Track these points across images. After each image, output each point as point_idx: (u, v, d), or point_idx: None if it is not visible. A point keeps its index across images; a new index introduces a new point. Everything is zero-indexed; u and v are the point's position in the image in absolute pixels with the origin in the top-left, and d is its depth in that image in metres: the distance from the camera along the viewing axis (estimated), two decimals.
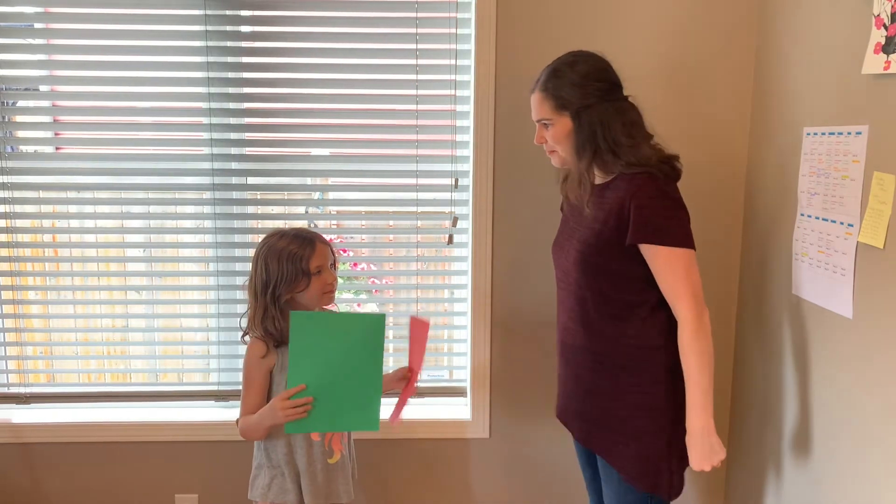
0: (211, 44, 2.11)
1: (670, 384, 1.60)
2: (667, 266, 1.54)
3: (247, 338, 1.81)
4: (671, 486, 1.64)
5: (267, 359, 1.75)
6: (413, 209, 2.23)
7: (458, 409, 2.32)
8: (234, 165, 2.20)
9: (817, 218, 1.69)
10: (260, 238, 1.80)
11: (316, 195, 2.39)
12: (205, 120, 2.16)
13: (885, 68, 1.42)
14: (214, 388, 2.30)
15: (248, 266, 1.78)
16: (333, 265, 1.80)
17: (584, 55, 1.64)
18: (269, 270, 1.71)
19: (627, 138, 1.57)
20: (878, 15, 1.44)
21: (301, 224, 2.27)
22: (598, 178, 1.63)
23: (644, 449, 1.60)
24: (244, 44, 2.16)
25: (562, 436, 2.12)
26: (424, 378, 2.36)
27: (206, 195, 2.20)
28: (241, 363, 1.81)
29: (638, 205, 1.52)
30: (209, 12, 2.09)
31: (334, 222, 2.42)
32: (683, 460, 1.66)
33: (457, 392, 2.33)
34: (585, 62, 1.62)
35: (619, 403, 1.63)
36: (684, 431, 1.66)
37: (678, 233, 1.53)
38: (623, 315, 1.61)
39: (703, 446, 1.55)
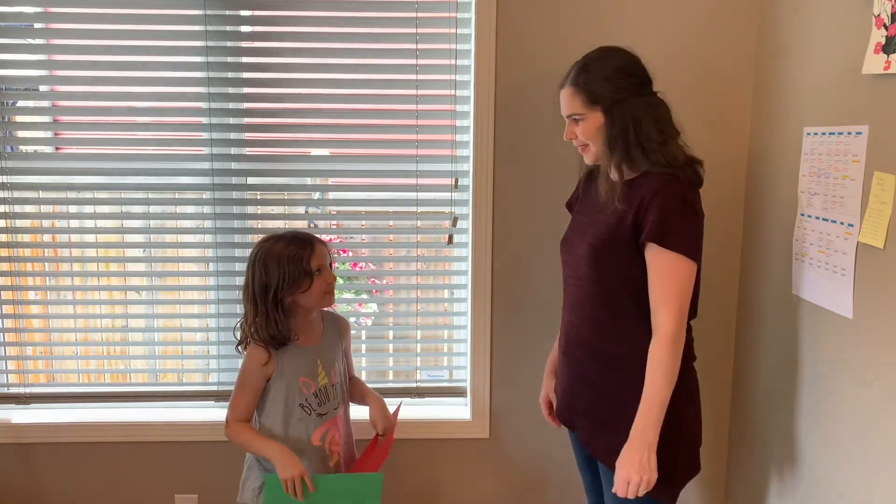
0: (211, 44, 2.11)
1: (676, 388, 1.57)
2: (663, 271, 1.52)
3: (241, 347, 1.80)
4: (673, 490, 1.63)
5: (268, 366, 1.75)
6: (413, 209, 2.23)
7: (458, 409, 2.32)
8: (234, 165, 2.20)
9: (817, 218, 1.68)
10: (259, 238, 1.81)
11: (316, 195, 2.39)
12: (205, 120, 2.16)
13: (885, 68, 1.42)
14: (214, 388, 2.30)
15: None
16: (331, 265, 1.80)
17: (615, 49, 1.62)
18: (269, 274, 1.70)
19: (659, 134, 1.55)
20: (878, 15, 1.44)
21: (301, 224, 2.27)
22: (626, 175, 1.61)
23: None
24: (244, 44, 2.16)
25: (562, 436, 2.12)
26: (424, 378, 2.36)
27: (206, 195, 2.20)
28: (241, 363, 1.81)
29: (656, 205, 1.50)
30: (209, 12, 2.09)
31: (334, 222, 2.42)
32: (685, 464, 1.66)
33: (457, 392, 2.33)
34: (617, 56, 1.60)
35: (623, 405, 1.61)
36: (687, 435, 1.65)
37: (687, 242, 1.51)
38: (631, 314, 1.60)
39: (640, 458, 1.49)
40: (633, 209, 1.54)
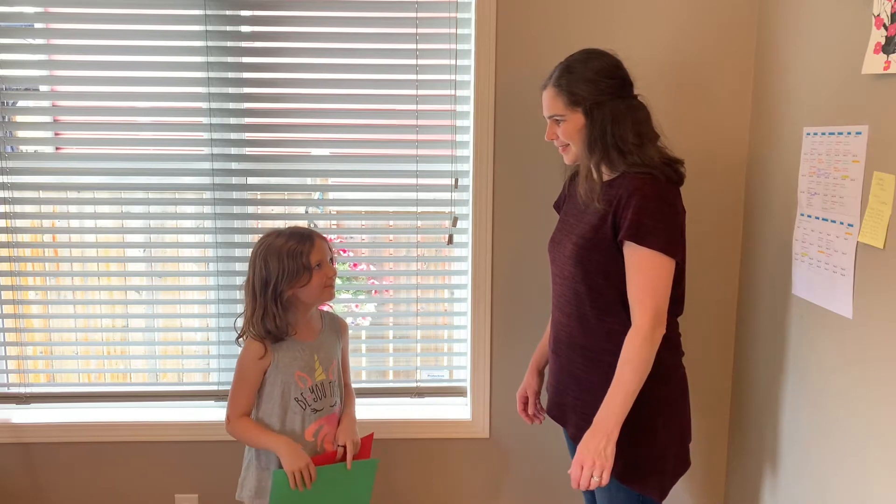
0: (211, 44, 2.11)
1: (662, 384, 1.59)
2: (640, 268, 1.53)
3: (241, 341, 1.81)
4: (662, 486, 1.64)
5: (264, 359, 1.76)
6: (413, 209, 2.23)
7: (458, 409, 2.32)
8: (234, 165, 2.20)
9: (817, 218, 1.69)
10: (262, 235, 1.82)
11: (316, 195, 2.39)
12: (205, 120, 2.16)
13: (885, 68, 1.42)
14: (214, 388, 2.30)
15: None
16: (332, 260, 1.81)
17: (597, 52, 1.63)
18: (268, 268, 1.72)
19: (635, 137, 1.57)
20: (878, 15, 1.44)
21: (301, 224, 2.27)
22: (604, 175, 1.62)
23: (634, 448, 1.58)
24: (244, 44, 2.16)
25: (561, 435, 2.12)
26: (424, 378, 2.36)
27: (206, 195, 2.20)
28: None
29: (633, 203, 1.51)
30: (209, 12, 2.09)
31: (334, 222, 2.42)
32: (675, 460, 1.66)
33: (457, 392, 2.34)
34: (599, 59, 1.62)
35: None
36: (676, 431, 1.66)
37: (664, 239, 1.51)
38: (617, 311, 1.61)
39: (598, 445, 1.48)
40: (612, 209, 1.56)
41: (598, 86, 1.58)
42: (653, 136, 1.61)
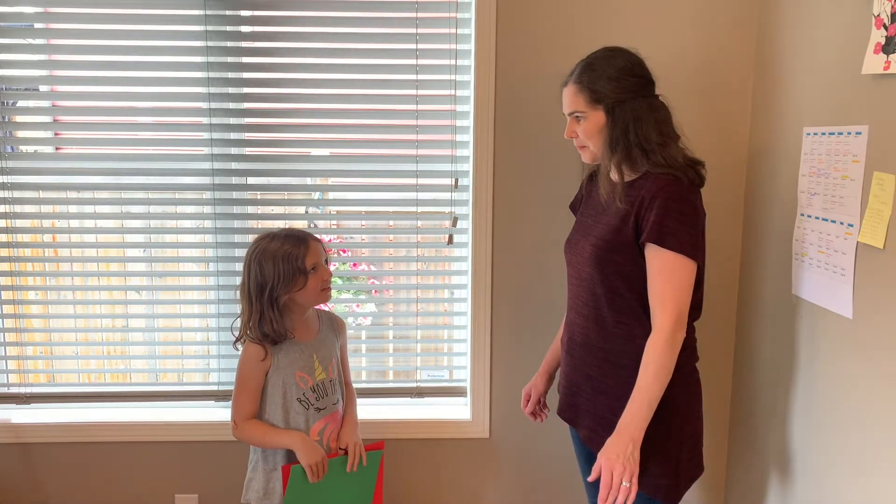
0: (211, 44, 2.11)
1: (678, 387, 1.57)
2: (662, 271, 1.52)
3: (239, 344, 1.81)
4: (675, 491, 1.63)
5: (265, 361, 1.76)
6: (413, 209, 2.23)
7: (458, 409, 2.32)
8: (234, 165, 2.20)
9: (817, 218, 1.69)
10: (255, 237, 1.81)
11: (316, 195, 2.39)
12: (205, 120, 2.16)
13: (885, 68, 1.42)
14: (214, 388, 2.30)
15: None
16: (326, 261, 1.81)
17: (620, 50, 1.63)
18: (264, 273, 1.71)
19: (659, 136, 1.56)
20: (878, 15, 1.44)
21: (301, 224, 2.27)
22: (626, 175, 1.61)
23: (648, 452, 1.56)
24: (244, 44, 2.16)
25: (562, 436, 2.12)
26: (424, 378, 2.36)
27: (206, 195, 2.20)
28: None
29: (657, 205, 1.51)
30: (209, 12, 2.09)
31: (334, 222, 2.42)
32: (688, 465, 1.65)
33: (457, 392, 2.34)
34: (621, 56, 1.61)
35: (625, 404, 1.60)
36: (689, 435, 1.66)
37: (687, 242, 1.51)
38: (635, 314, 1.60)
39: (625, 450, 1.47)
40: (634, 209, 1.55)
41: (621, 84, 1.57)
42: (675, 135, 1.61)
